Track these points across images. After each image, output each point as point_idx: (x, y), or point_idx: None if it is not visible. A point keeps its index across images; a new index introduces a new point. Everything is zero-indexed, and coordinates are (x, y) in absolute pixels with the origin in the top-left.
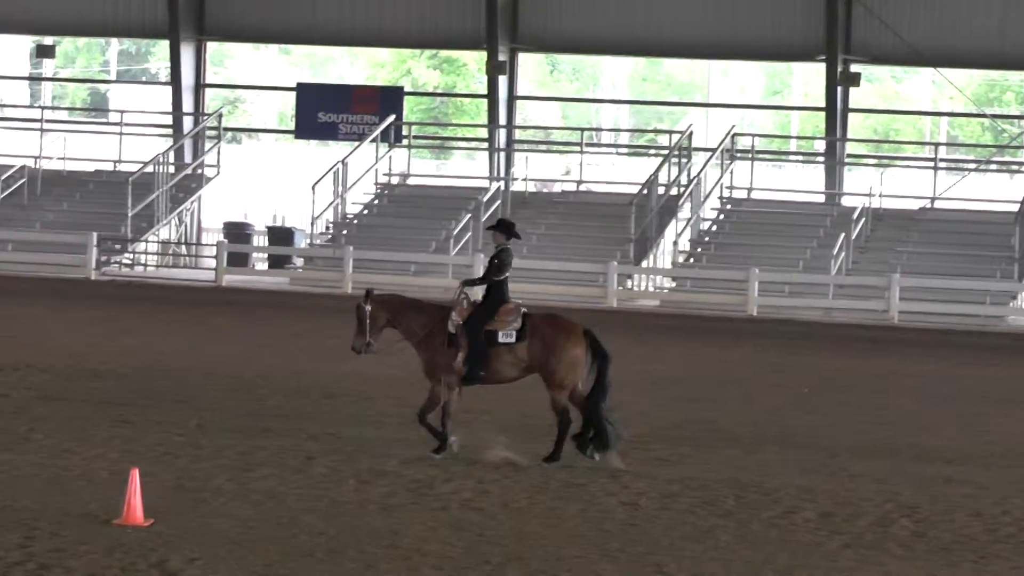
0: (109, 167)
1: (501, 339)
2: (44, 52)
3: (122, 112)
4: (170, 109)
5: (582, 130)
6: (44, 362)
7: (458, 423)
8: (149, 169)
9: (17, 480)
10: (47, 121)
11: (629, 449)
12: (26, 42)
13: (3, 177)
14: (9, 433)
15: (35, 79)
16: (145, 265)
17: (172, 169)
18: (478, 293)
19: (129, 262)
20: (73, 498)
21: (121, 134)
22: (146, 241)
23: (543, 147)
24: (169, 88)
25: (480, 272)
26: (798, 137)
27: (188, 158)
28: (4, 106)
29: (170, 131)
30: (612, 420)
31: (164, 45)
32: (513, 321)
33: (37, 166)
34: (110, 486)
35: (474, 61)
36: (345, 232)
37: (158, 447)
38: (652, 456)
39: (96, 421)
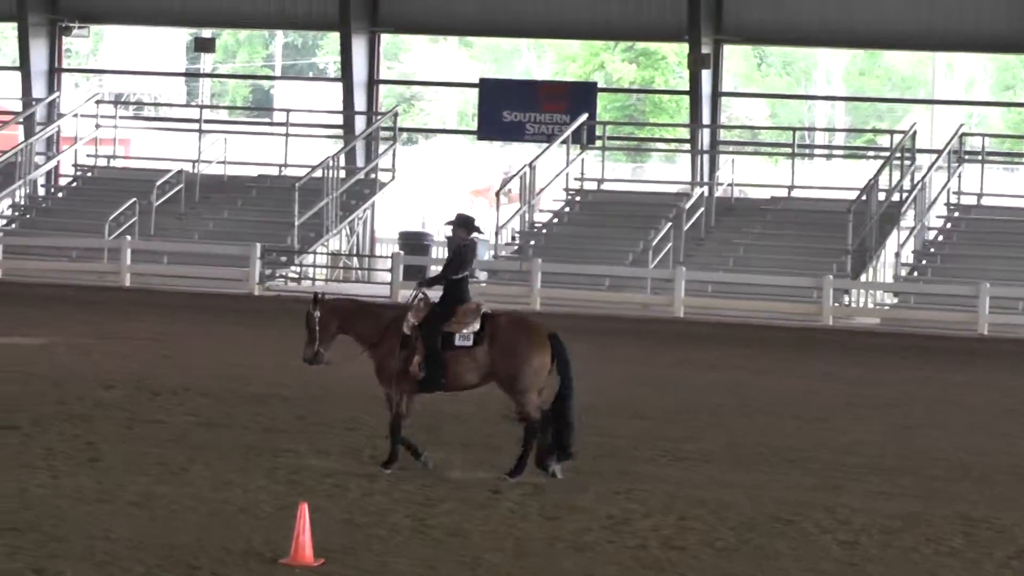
0: (274, 172)
1: (458, 342)
2: (203, 46)
3: (288, 111)
4: (340, 108)
5: (793, 130)
6: (203, 385)
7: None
8: (317, 174)
9: (175, 515)
10: (206, 121)
11: (843, 481)
12: (183, 35)
13: (158, 183)
14: (167, 463)
15: (193, 76)
16: (313, 279)
17: (343, 174)
18: (438, 294)
19: (296, 276)
20: (236, 534)
21: (287, 135)
22: (314, 253)
23: (750, 149)
24: (339, 85)
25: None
26: None
27: (360, 161)
28: (159, 105)
29: (340, 132)
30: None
31: (333, 38)
32: (472, 322)
33: (195, 171)
34: (276, 521)
35: (674, 54)
36: (533, 243)
37: (328, 479)
38: (871, 489)
39: (260, 450)
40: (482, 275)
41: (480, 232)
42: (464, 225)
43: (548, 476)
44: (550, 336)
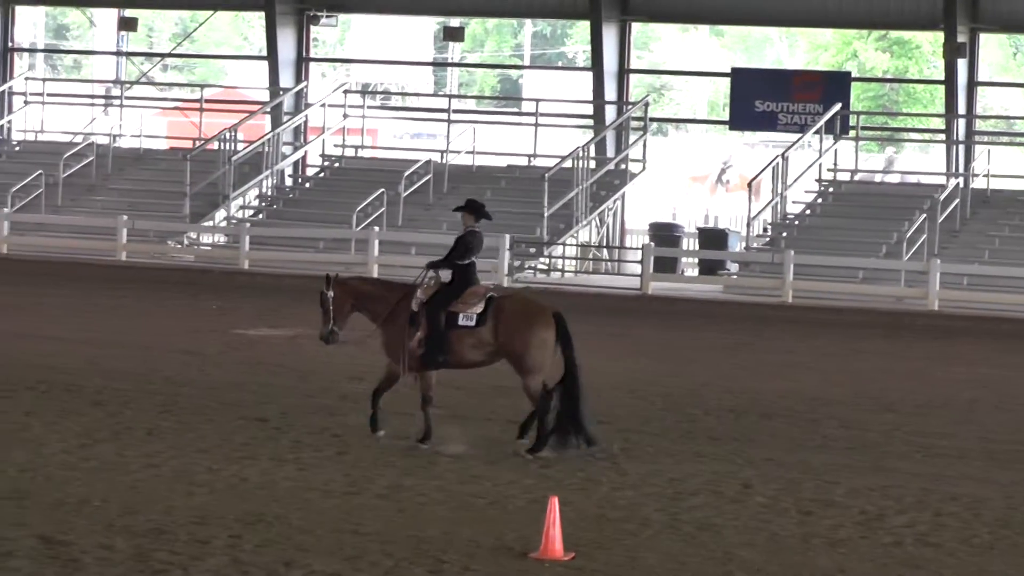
0: (523, 162)
1: (461, 322)
2: (451, 35)
3: (537, 101)
4: (590, 97)
5: None
6: (454, 378)
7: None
8: (567, 164)
9: (423, 508)
10: (454, 111)
11: None
12: (430, 24)
13: (406, 174)
14: (414, 455)
15: (440, 65)
16: (563, 271)
17: (592, 164)
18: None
19: (545, 267)
20: (485, 528)
21: (536, 125)
22: (564, 244)
23: (1005, 139)
24: (589, 74)
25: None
26: None
27: (610, 152)
28: (407, 95)
29: (590, 122)
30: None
31: (583, 27)
32: (476, 304)
33: (443, 161)
34: (526, 516)
35: (928, 43)
36: (785, 234)
37: (578, 473)
38: None
39: (510, 443)
40: (733, 267)
41: (489, 218)
42: (473, 210)
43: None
44: (554, 315)
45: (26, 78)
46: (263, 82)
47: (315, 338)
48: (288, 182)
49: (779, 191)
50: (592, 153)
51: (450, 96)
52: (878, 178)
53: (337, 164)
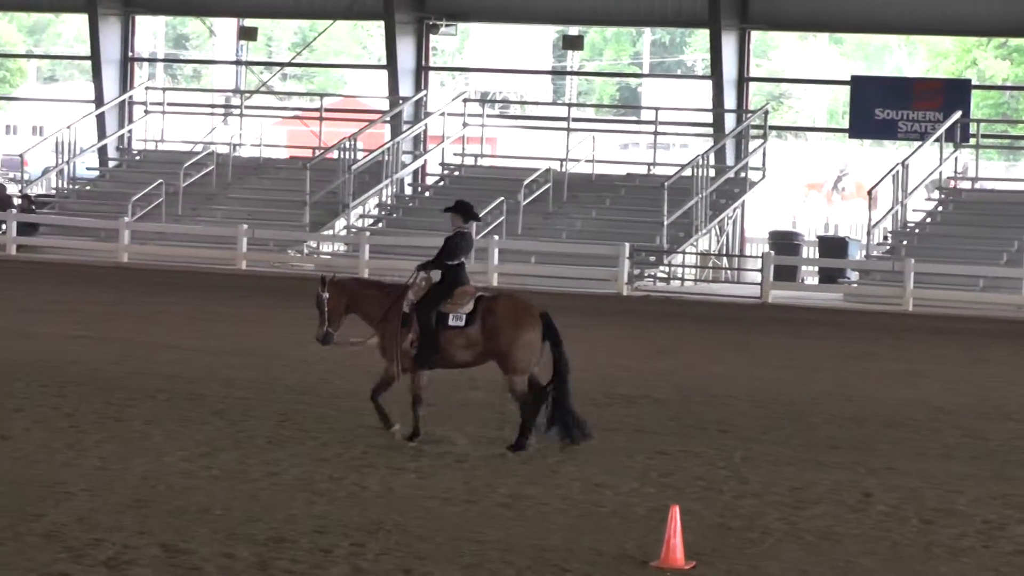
0: (642, 171)
1: (451, 322)
2: (570, 44)
3: (656, 109)
4: (709, 106)
5: None
6: (573, 386)
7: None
8: (687, 173)
9: (546, 516)
10: (573, 120)
11: None
12: (549, 33)
13: (526, 182)
14: (535, 464)
15: (559, 73)
16: (682, 279)
17: (712, 172)
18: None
19: (665, 275)
20: (607, 537)
21: (655, 133)
22: (683, 252)
23: None
24: (708, 82)
25: None
26: None
27: (730, 160)
28: (526, 103)
29: (710, 130)
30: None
31: (701, 35)
32: (465, 304)
33: (563, 170)
34: (647, 524)
35: None
36: (905, 243)
37: (699, 481)
38: None
39: (631, 452)
40: (853, 275)
41: (477, 220)
42: (462, 212)
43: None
44: (541, 315)
45: (146, 88)
46: (382, 91)
47: None
48: (408, 191)
49: (899, 199)
50: (712, 161)
51: (569, 104)
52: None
53: (456, 173)
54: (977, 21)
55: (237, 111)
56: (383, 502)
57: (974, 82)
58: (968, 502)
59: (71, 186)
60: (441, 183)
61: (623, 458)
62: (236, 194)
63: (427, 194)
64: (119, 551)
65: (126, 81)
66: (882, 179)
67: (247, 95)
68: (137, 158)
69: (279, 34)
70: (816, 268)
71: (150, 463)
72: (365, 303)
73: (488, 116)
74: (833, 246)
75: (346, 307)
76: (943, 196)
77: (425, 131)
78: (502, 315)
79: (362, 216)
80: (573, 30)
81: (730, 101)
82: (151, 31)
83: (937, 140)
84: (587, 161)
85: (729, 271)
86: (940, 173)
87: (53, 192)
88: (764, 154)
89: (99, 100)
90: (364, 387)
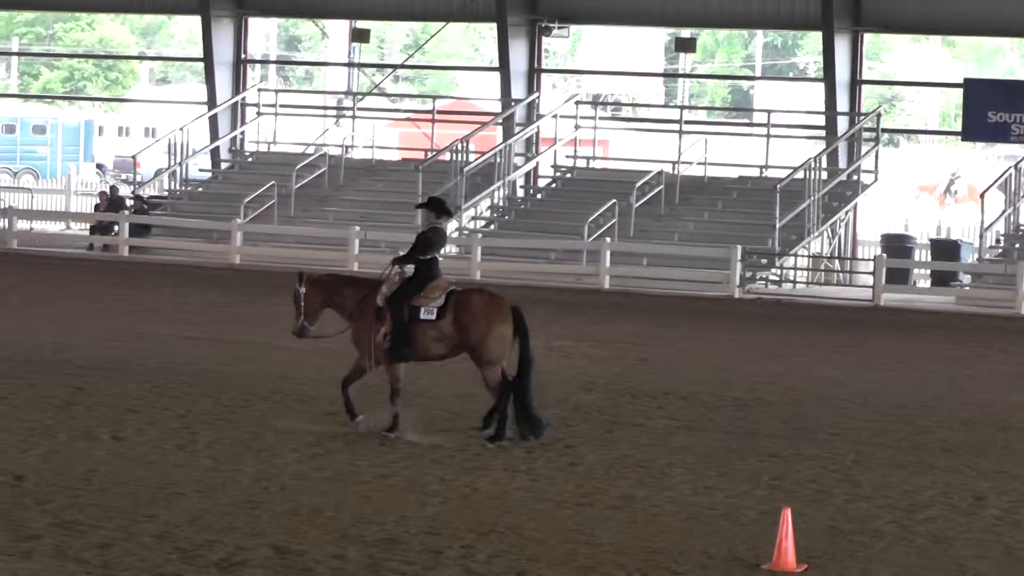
0: (754, 173)
1: (423, 315)
2: (683, 46)
3: (768, 112)
4: (822, 108)
5: None
6: (684, 389)
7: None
8: (799, 175)
9: (656, 518)
10: (685, 122)
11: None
12: (661, 35)
13: (638, 184)
14: (647, 466)
15: (671, 76)
16: (794, 282)
17: (824, 175)
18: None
19: (776, 278)
20: (718, 539)
21: (768, 136)
22: (795, 255)
23: None
24: (820, 85)
25: None
26: None
27: (842, 163)
28: (638, 105)
29: (822, 133)
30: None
31: (814, 37)
32: (437, 298)
33: (675, 172)
34: (759, 527)
35: None
36: (1017, 246)
37: (811, 484)
38: None
39: (742, 454)
40: (965, 278)
41: (450, 215)
42: (434, 208)
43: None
44: (512, 308)
45: (259, 90)
46: (494, 93)
47: (546, 348)
48: (520, 193)
49: (1011, 202)
50: (824, 164)
51: (681, 107)
52: None
53: (568, 175)
54: None
55: (349, 113)
56: (496, 504)
57: None
58: None
59: (183, 188)
60: (553, 185)
61: (735, 461)
62: (348, 196)
63: (539, 196)
64: (231, 552)
65: (238, 83)
66: (995, 182)
67: (359, 97)
68: (249, 160)
69: (391, 36)
70: (928, 271)
71: (262, 464)
72: (340, 297)
73: (600, 118)
74: (945, 249)
75: (322, 302)
76: None
77: (537, 133)
78: (474, 309)
79: (474, 218)
80: (685, 32)
81: (842, 104)
82: (263, 33)
83: None
84: (699, 163)
85: (841, 274)
86: None
87: (165, 194)
88: (876, 157)
89: (212, 102)
90: (476, 390)
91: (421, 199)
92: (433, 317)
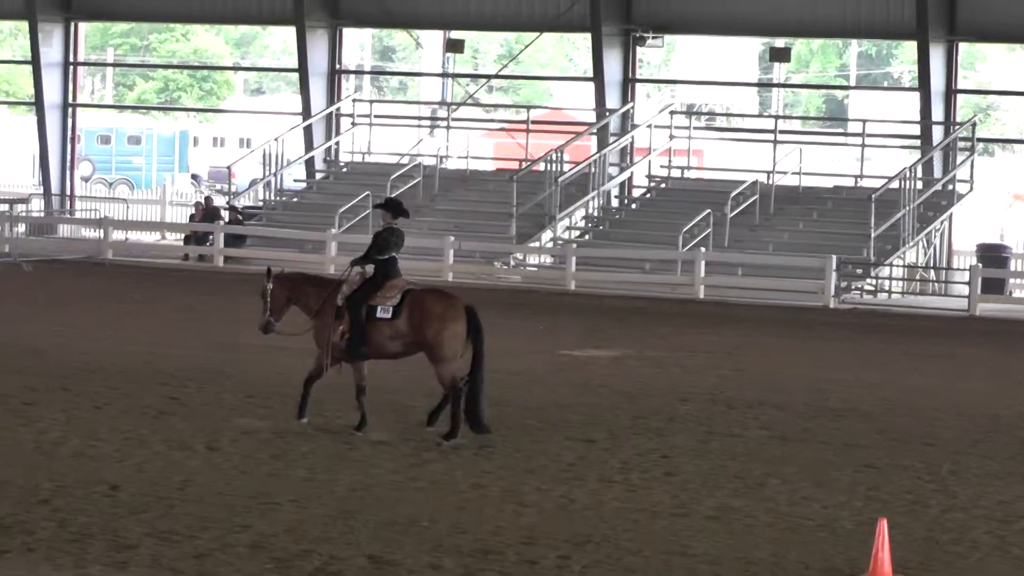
0: (849, 183)
1: (379, 314)
2: (777, 56)
3: (863, 121)
4: (917, 118)
5: None
6: (780, 399)
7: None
8: (894, 185)
9: (752, 529)
10: (780, 132)
11: None
12: (755, 44)
13: (733, 194)
14: (743, 477)
15: (765, 85)
16: (889, 291)
17: (919, 185)
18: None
19: (871, 288)
20: (814, 550)
21: (863, 145)
22: (890, 265)
23: None
24: (915, 94)
25: None
26: None
27: (937, 172)
28: (732, 115)
29: (917, 142)
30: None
31: (909, 47)
32: (393, 297)
33: (770, 182)
34: (855, 538)
35: None
36: None
37: (907, 495)
38: None
39: (838, 465)
40: None
41: (407, 215)
42: (390, 209)
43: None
44: (466, 308)
45: (353, 100)
46: (589, 103)
47: (641, 358)
48: (614, 203)
49: None
50: (919, 174)
51: (776, 117)
52: None
53: (663, 185)
54: None
55: (444, 123)
56: (591, 515)
57: None
58: None
59: (278, 198)
60: (648, 195)
61: (831, 471)
62: (443, 206)
63: (633, 206)
64: (326, 562)
65: (333, 93)
66: None
67: (453, 107)
68: (344, 170)
69: (485, 46)
70: None
71: (357, 474)
72: (304, 296)
73: (695, 128)
74: None
75: (287, 299)
76: None
77: (632, 143)
78: (429, 308)
79: (568, 228)
80: (780, 42)
81: (937, 113)
82: (358, 43)
83: None
84: (794, 173)
85: (936, 284)
86: None
87: (260, 204)
88: (972, 166)
89: (306, 112)
90: (572, 400)
91: (375, 200)
92: (389, 316)
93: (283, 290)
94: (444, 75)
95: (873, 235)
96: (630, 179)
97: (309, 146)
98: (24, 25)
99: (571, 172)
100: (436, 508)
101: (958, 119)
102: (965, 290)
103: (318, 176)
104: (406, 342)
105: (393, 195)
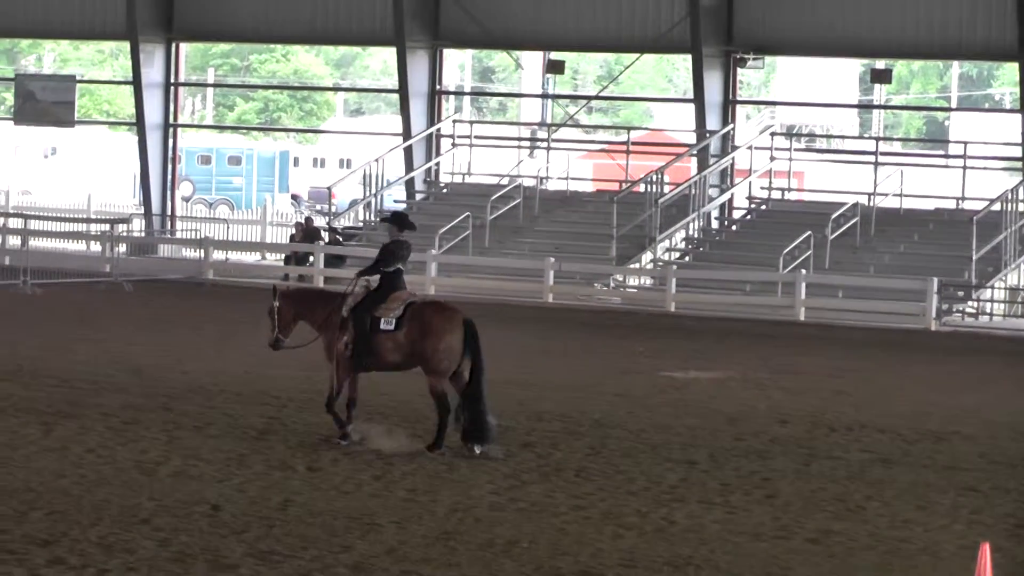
0: (950, 205)
1: (382, 326)
2: (878, 77)
3: (964, 143)
4: (1018, 140)
5: None
6: (881, 421)
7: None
8: (996, 207)
9: (853, 552)
10: (881, 153)
11: None
12: (855, 66)
13: (833, 216)
14: (844, 500)
15: (866, 107)
16: (991, 314)
17: (1022, 207)
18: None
19: (973, 310)
20: (916, 574)
21: (964, 167)
22: (992, 287)
23: None
24: (1017, 116)
25: None
26: None
27: None
28: (832, 137)
29: (1019, 164)
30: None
31: (1010, 68)
32: (396, 309)
33: (870, 204)
34: (957, 562)
35: None
36: None
37: (1009, 518)
38: None
39: (941, 488)
40: None
41: (413, 229)
42: (397, 222)
43: (470, 453)
44: (464, 321)
45: (453, 121)
46: (689, 124)
47: (742, 380)
48: (715, 224)
49: None
50: (1021, 195)
51: (877, 138)
52: None
53: (763, 206)
54: None
55: (544, 144)
56: (692, 537)
57: None
58: None
59: (377, 218)
60: (748, 217)
61: (933, 494)
62: (543, 227)
63: (734, 228)
64: None
65: (433, 114)
66: None
67: (553, 128)
68: (444, 191)
69: (585, 67)
70: None
71: (458, 495)
72: (310, 311)
73: (795, 150)
74: None
75: (294, 315)
76: None
77: (732, 164)
78: (426, 320)
79: (669, 250)
80: (880, 63)
81: None
82: (458, 64)
83: None
84: (895, 195)
85: None
86: None
87: (360, 224)
88: None
89: (407, 133)
90: (673, 421)
91: (383, 214)
92: (392, 327)
93: (290, 307)
94: (544, 96)
95: (975, 257)
96: (730, 200)
97: (409, 167)
98: (126, 45)
99: (671, 194)
100: (536, 530)
101: None
102: None
103: (418, 197)
104: (405, 354)
105: (492, 216)
